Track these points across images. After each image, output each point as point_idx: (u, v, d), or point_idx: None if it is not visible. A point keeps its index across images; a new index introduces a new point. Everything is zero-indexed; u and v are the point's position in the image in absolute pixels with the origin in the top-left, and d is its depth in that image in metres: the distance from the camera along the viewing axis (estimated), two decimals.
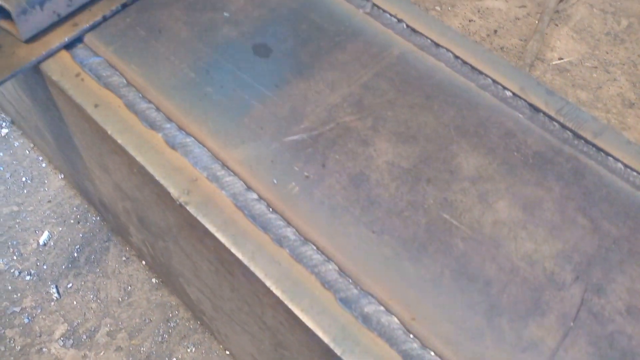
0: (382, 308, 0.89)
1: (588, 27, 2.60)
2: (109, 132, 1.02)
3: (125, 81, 1.09)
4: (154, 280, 1.76)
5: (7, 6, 1.01)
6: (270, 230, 0.96)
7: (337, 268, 0.92)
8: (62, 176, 1.94)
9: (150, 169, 0.99)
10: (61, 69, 1.10)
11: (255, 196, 0.99)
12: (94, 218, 1.87)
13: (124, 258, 1.80)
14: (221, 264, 1.02)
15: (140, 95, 1.08)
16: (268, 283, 0.89)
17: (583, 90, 2.39)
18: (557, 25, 2.60)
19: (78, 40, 1.14)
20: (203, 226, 0.95)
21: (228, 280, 1.05)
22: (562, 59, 2.49)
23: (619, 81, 2.42)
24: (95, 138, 1.12)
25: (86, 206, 1.89)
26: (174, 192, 0.97)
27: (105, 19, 1.17)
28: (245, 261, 0.91)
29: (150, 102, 1.07)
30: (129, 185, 1.17)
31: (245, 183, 1.01)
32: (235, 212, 0.97)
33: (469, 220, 1.00)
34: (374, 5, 1.29)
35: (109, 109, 1.05)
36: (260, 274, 0.90)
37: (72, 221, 1.87)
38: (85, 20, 1.15)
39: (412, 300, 0.91)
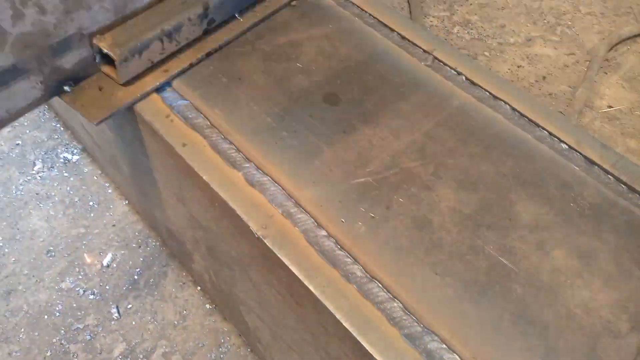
0: (444, 346, 0.95)
1: (638, 76, 2.63)
2: (196, 169, 1.12)
3: (209, 123, 1.20)
4: (208, 305, 1.85)
5: (113, 55, 1.14)
6: (339, 267, 1.03)
7: (402, 306, 0.99)
8: (127, 202, 2.07)
9: (232, 204, 1.08)
10: (153, 110, 1.22)
11: (324, 233, 1.07)
12: (154, 243, 1.98)
13: (180, 283, 1.90)
14: (290, 295, 1.09)
15: (223, 136, 1.18)
16: (338, 316, 0.96)
17: (633, 139, 2.40)
18: (606, 73, 2.64)
19: (167, 84, 1.26)
20: (278, 259, 1.03)
21: (295, 310, 1.12)
22: (611, 107, 2.51)
23: None
24: (179, 173, 1.23)
25: (147, 231, 2.00)
26: (253, 226, 1.06)
27: (192, 66, 1.29)
28: (317, 294, 0.98)
29: (231, 143, 1.17)
30: (205, 217, 1.27)
31: (315, 221, 1.09)
32: (307, 247, 1.05)
33: (527, 267, 1.05)
34: (435, 58, 1.38)
35: (195, 148, 1.16)
36: (331, 307, 0.97)
37: (134, 245, 1.98)
38: (174, 66, 1.27)
39: (472, 340, 0.96)
